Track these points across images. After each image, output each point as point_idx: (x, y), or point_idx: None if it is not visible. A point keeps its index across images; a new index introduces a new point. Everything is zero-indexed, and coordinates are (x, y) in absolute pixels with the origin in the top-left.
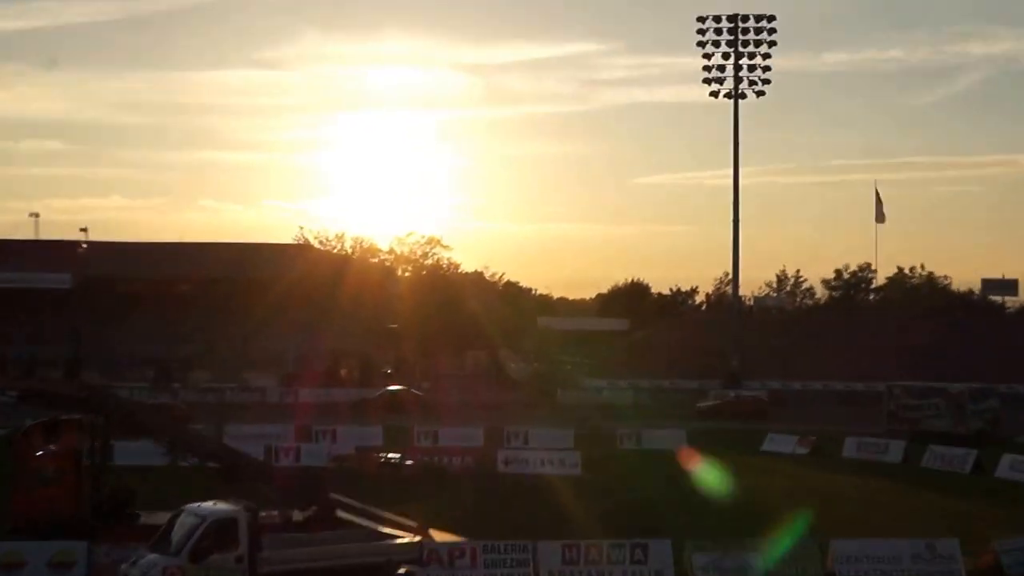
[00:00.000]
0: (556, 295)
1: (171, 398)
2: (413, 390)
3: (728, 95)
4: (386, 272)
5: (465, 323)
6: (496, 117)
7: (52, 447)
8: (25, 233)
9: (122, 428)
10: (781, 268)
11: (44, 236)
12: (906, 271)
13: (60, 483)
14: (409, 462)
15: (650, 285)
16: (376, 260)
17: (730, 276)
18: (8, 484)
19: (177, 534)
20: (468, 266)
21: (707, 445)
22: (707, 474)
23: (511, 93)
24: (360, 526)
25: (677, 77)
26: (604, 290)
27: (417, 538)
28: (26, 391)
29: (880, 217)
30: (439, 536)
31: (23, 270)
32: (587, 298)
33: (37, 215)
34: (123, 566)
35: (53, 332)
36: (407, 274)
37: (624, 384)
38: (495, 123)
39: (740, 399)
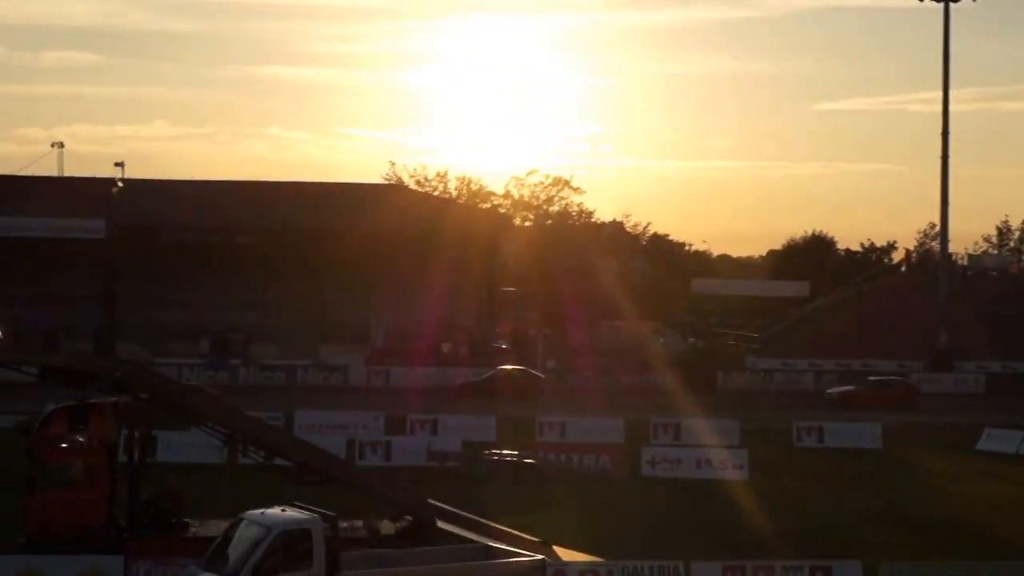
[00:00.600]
0: (716, 251)
1: (230, 377)
2: (532, 371)
3: None
4: (501, 221)
5: (601, 287)
6: (641, 23)
7: (79, 439)
8: (46, 168)
9: (167, 415)
10: (1003, 218)
11: (70, 172)
12: None
13: (89, 484)
14: (529, 461)
15: (836, 239)
16: (488, 206)
17: (937, 228)
18: (24, 484)
19: (236, 549)
20: (604, 214)
21: (909, 442)
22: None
23: None
24: (467, 541)
25: None
26: (777, 245)
27: (539, 557)
28: (47, 368)
29: None
30: (567, 555)
31: (43, 215)
32: (756, 255)
33: (61, 145)
34: None
35: (80, 294)
36: (527, 224)
37: (803, 365)
38: (639, 31)
39: (884, 384)
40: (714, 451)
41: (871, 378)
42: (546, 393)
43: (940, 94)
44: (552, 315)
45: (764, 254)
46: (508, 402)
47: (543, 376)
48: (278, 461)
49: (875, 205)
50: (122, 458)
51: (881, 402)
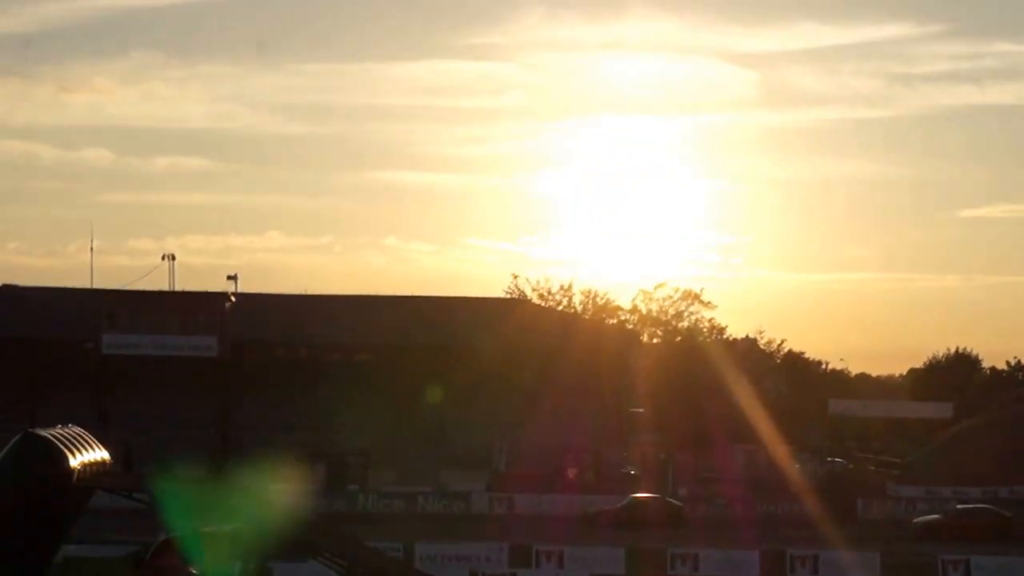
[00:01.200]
0: (854, 370)
1: (347, 504)
2: (669, 499)
3: None
4: (628, 338)
5: (733, 408)
6: (773, 124)
7: (193, 571)
8: (158, 281)
9: (284, 546)
10: None
11: (182, 285)
12: None
13: None
14: None
15: (981, 357)
16: (614, 321)
17: None
18: None
19: None
20: (736, 330)
21: None
22: None
23: (794, 92)
24: None
25: (1021, 70)
26: (919, 363)
27: None
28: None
29: None
30: None
31: (154, 331)
32: (895, 375)
33: (173, 258)
34: None
35: (193, 414)
36: (656, 340)
37: (947, 492)
38: (772, 133)
39: (971, 512)
40: None
41: (959, 507)
42: (685, 522)
43: None
44: (683, 438)
45: (904, 373)
46: (645, 532)
47: (679, 504)
48: None
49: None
50: None
51: (967, 533)
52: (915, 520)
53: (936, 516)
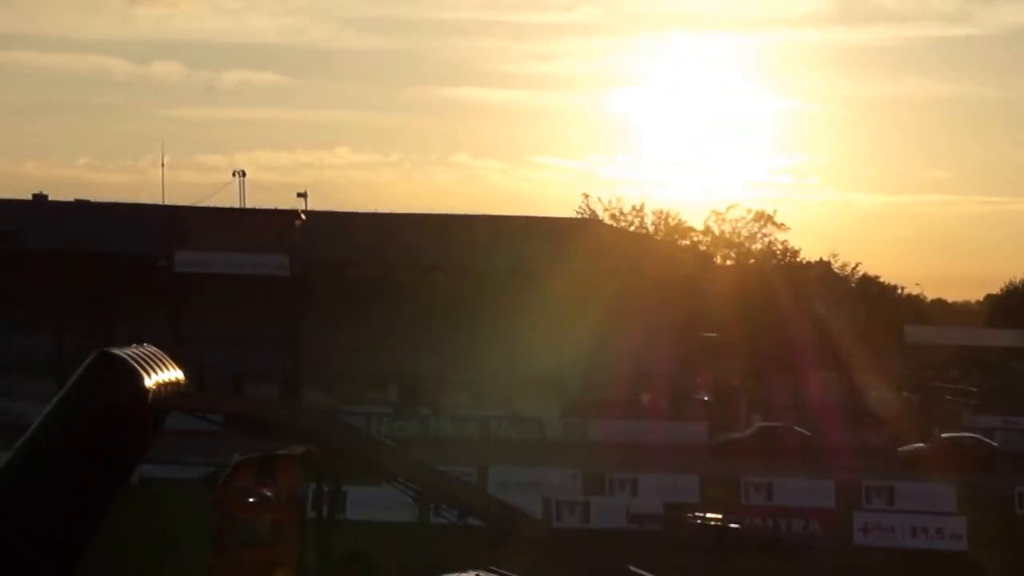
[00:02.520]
0: (931, 295)
1: (419, 427)
2: (797, 428)
3: None
4: (702, 260)
5: (809, 334)
6: (850, 41)
7: (267, 493)
8: (227, 198)
9: (357, 469)
10: None
11: (251, 202)
12: None
13: (278, 543)
14: (734, 526)
15: None
16: (687, 243)
17: None
18: (209, 541)
19: None
20: (811, 253)
21: None
22: None
23: (872, 8)
24: None
25: None
26: (997, 289)
27: None
28: (233, 415)
29: None
30: None
31: (226, 248)
32: (974, 300)
33: (243, 174)
34: None
35: (264, 334)
36: (729, 263)
37: None
38: (849, 50)
39: (958, 442)
40: (930, 518)
41: (943, 435)
42: (815, 451)
43: None
44: (757, 365)
45: (982, 299)
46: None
47: (808, 434)
48: (472, 521)
49: None
50: (310, 514)
51: (954, 463)
52: (899, 448)
53: (920, 445)
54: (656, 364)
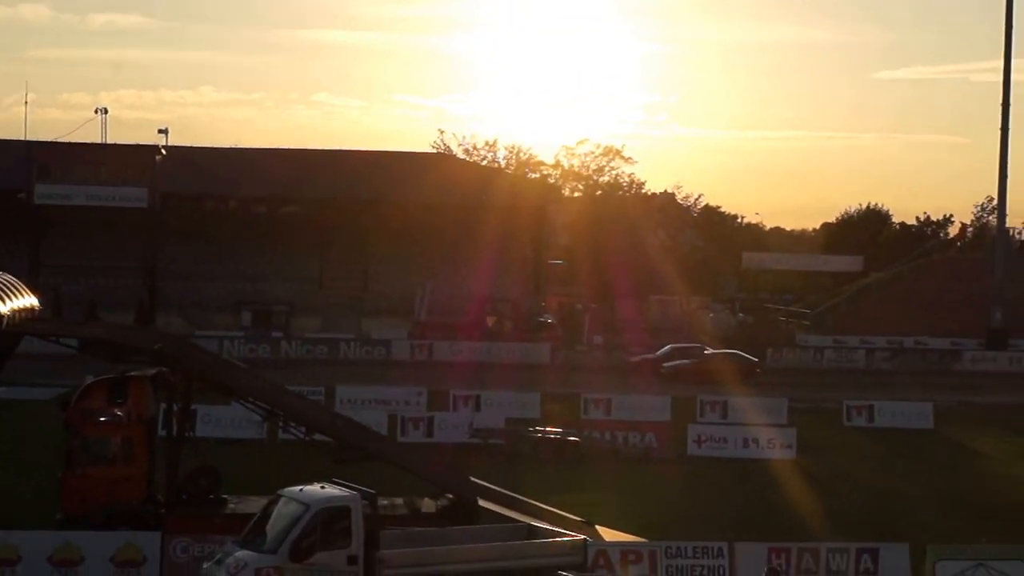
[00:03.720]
0: (769, 224)
1: (271, 350)
2: (745, 355)
3: None
4: (550, 192)
5: (650, 260)
6: None
7: (118, 412)
8: (90, 135)
9: (207, 389)
10: None
11: (114, 138)
12: None
13: (127, 459)
14: (574, 439)
15: (891, 213)
16: (537, 176)
17: (995, 202)
18: (61, 459)
19: (274, 526)
20: (655, 185)
21: (961, 423)
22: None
23: None
24: (508, 520)
25: None
26: (832, 218)
27: (581, 537)
28: (87, 339)
29: None
30: (609, 535)
31: (86, 183)
32: (809, 229)
33: (105, 111)
34: (206, 565)
35: (122, 263)
36: (577, 195)
37: (854, 342)
38: None
39: (712, 358)
40: (762, 430)
41: (706, 352)
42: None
43: (1002, 63)
44: (600, 289)
45: (818, 227)
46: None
47: (755, 360)
48: (318, 437)
49: (933, 177)
50: (161, 432)
51: (717, 376)
52: (664, 365)
53: (685, 361)
54: (503, 289)
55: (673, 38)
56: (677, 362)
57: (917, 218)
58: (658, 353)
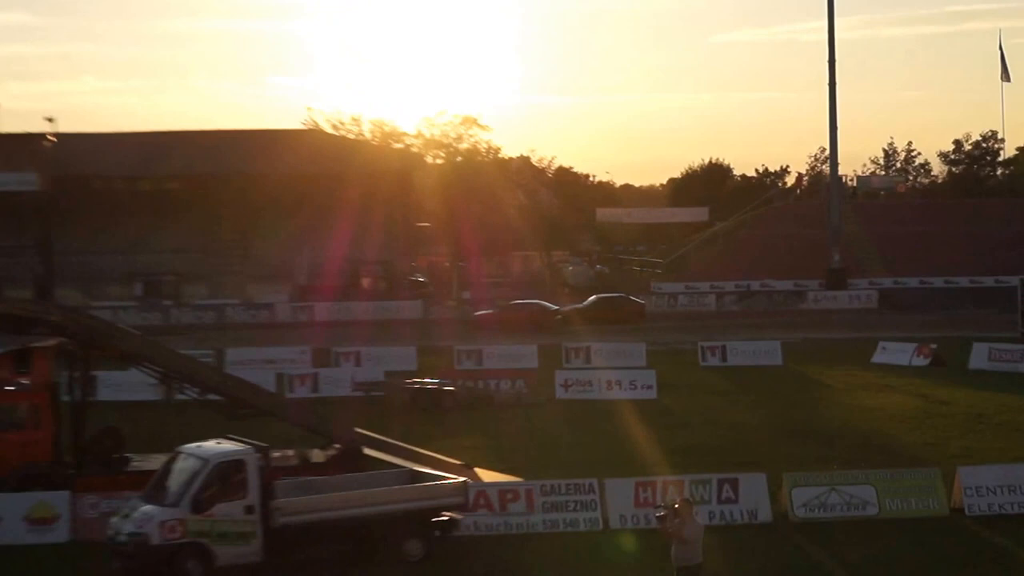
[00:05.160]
0: (619, 182)
1: (162, 317)
2: (633, 297)
3: None
4: (413, 160)
5: (510, 219)
6: None
7: (24, 381)
8: None
9: (105, 356)
10: (889, 141)
11: (4, 129)
12: None
13: (35, 424)
14: (449, 389)
15: (732, 166)
16: (401, 146)
17: (827, 152)
18: None
19: (175, 481)
20: (512, 150)
21: (808, 358)
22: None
23: None
24: (392, 466)
25: None
26: (677, 174)
27: (462, 479)
28: None
29: (1006, 75)
30: (487, 476)
31: None
32: (657, 184)
33: None
34: (113, 520)
35: (18, 243)
36: (439, 162)
37: (705, 287)
38: None
39: (518, 307)
40: (623, 373)
41: (511, 303)
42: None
43: (826, 21)
44: (465, 248)
45: (665, 183)
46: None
47: (643, 302)
48: (211, 397)
49: (769, 132)
50: (65, 398)
51: (515, 325)
52: (476, 313)
53: (489, 311)
54: (374, 252)
55: (519, 7)
56: (483, 311)
57: (756, 170)
58: (585, 303)
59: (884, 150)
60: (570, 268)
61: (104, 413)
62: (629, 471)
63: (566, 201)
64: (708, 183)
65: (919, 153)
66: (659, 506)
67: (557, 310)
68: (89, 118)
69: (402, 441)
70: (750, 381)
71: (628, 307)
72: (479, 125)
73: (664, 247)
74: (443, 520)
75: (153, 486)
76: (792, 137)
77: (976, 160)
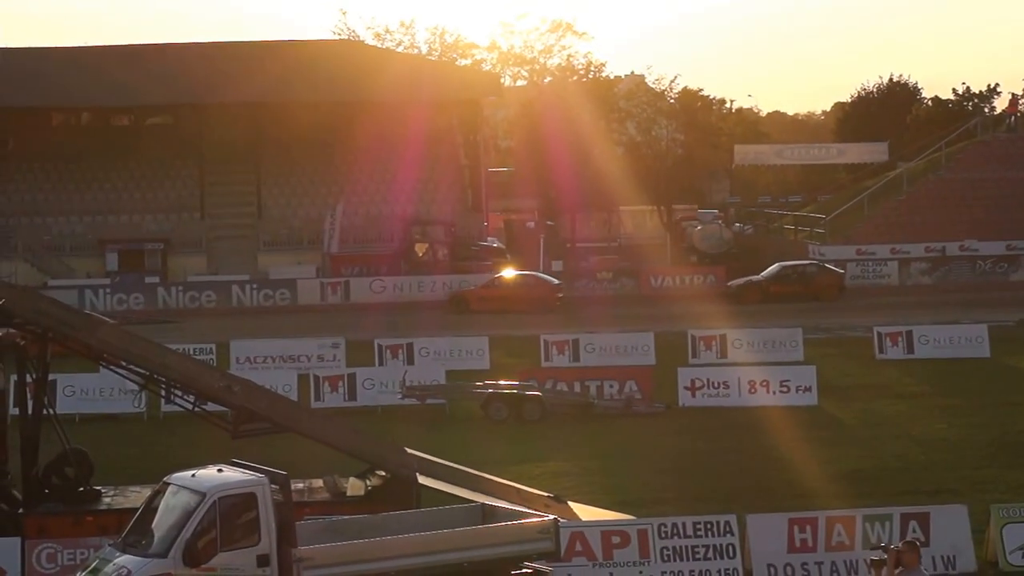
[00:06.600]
0: (766, 109)
1: (145, 300)
2: (829, 266)
3: None
4: (486, 81)
5: (618, 162)
6: None
7: None
8: None
9: (67, 354)
10: None
11: None
12: None
13: None
14: (534, 393)
15: (921, 86)
16: (469, 63)
17: None
18: None
19: (162, 522)
20: (620, 67)
21: (1021, 344)
22: None
23: None
24: (458, 500)
25: None
26: (845, 97)
27: (550, 517)
28: None
29: None
30: (585, 512)
31: None
32: (817, 112)
33: None
34: (79, 575)
35: None
36: (520, 83)
37: (884, 252)
38: None
39: (510, 281)
40: (772, 370)
41: (503, 275)
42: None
43: None
44: (555, 202)
45: (828, 109)
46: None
47: (557, 282)
48: (212, 407)
49: (971, 38)
50: (13, 411)
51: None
52: (454, 291)
53: (472, 287)
54: (433, 208)
55: None
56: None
57: (954, 90)
58: (764, 274)
59: None
60: (698, 228)
61: (66, 430)
62: (780, 504)
63: (694, 136)
64: (888, 109)
65: None
66: (878, 546)
67: (559, 285)
68: (38, 26)
69: (470, 467)
70: (946, 379)
71: (823, 279)
72: (575, 32)
73: (828, 198)
74: (526, 572)
75: (132, 529)
76: (1004, 45)
77: None
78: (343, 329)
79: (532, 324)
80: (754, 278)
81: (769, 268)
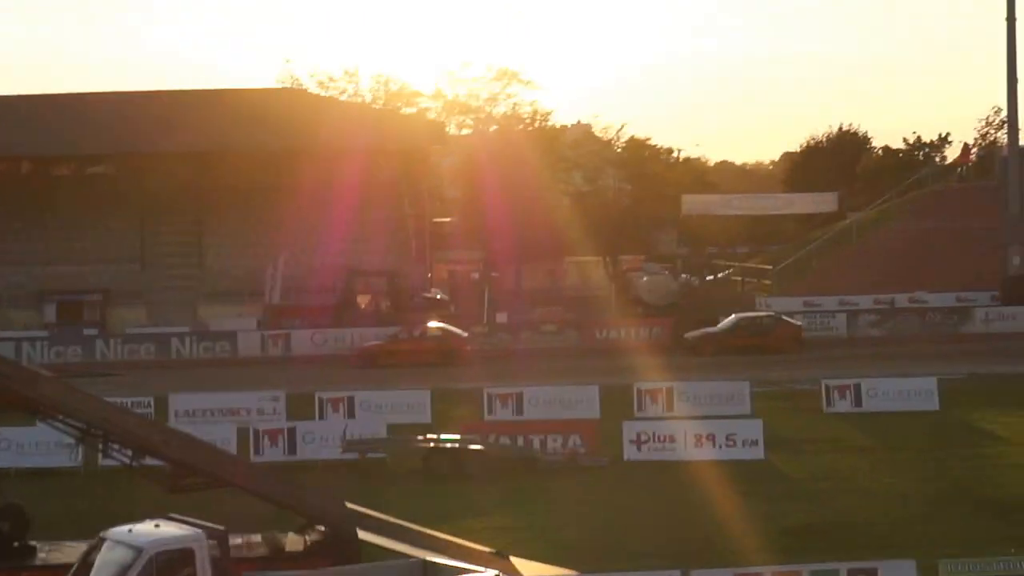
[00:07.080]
0: (715, 158)
1: (83, 352)
2: (786, 318)
3: None
4: (431, 130)
5: (563, 212)
6: None
7: None
8: None
9: (3, 406)
10: None
11: None
12: None
13: None
14: (476, 447)
15: (871, 136)
16: (414, 111)
17: (1004, 114)
18: None
19: None
20: (566, 116)
21: (975, 400)
22: None
23: None
24: (398, 555)
25: None
26: (794, 146)
27: (493, 572)
28: None
29: None
30: (529, 569)
31: None
32: (766, 162)
33: None
34: None
35: None
36: (465, 132)
37: (832, 304)
38: None
39: (423, 336)
40: (719, 424)
41: (417, 331)
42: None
43: None
44: (501, 253)
45: (777, 159)
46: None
47: (466, 335)
48: (149, 461)
49: (921, 88)
50: None
51: (423, 356)
52: (366, 345)
53: (377, 341)
54: (377, 259)
55: None
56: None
57: (904, 140)
58: (720, 327)
59: None
60: (644, 279)
61: (1, 484)
62: (726, 559)
63: (640, 186)
64: (838, 159)
65: None
66: None
67: (466, 337)
68: None
69: (411, 521)
70: (894, 432)
71: (781, 330)
72: (521, 81)
73: (776, 248)
74: None
75: None
76: (954, 94)
77: None
78: (283, 382)
79: (471, 376)
80: (711, 330)
81: (726, 320)
